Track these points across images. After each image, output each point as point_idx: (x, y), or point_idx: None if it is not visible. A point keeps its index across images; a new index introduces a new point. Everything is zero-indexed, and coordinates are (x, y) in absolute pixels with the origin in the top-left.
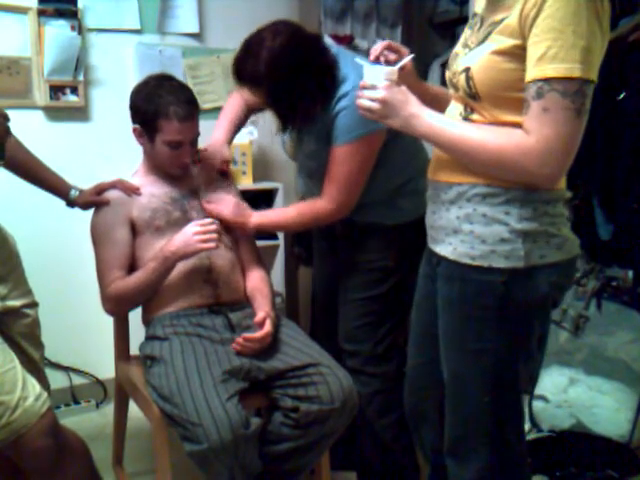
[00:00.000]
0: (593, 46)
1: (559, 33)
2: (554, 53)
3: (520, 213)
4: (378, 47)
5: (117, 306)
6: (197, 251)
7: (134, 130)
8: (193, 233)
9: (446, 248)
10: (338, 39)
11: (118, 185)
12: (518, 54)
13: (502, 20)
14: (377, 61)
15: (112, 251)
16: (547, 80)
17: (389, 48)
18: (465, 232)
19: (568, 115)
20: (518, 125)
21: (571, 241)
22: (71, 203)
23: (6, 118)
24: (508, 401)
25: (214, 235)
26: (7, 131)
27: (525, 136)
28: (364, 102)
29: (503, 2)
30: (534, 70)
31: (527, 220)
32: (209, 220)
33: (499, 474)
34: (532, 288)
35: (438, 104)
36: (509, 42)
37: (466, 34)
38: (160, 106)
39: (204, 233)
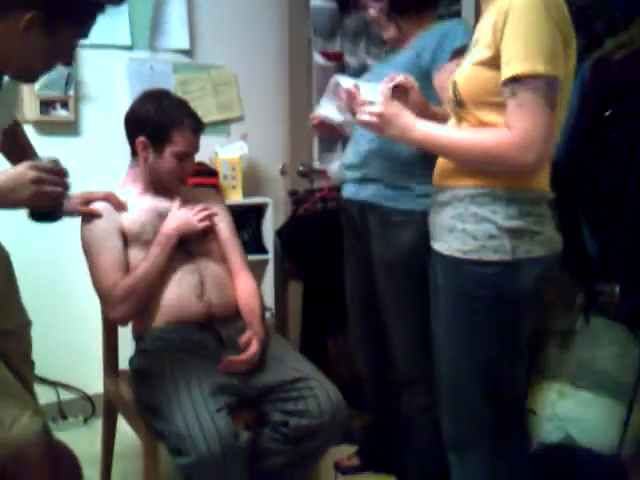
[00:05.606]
0: (555, 48)
1: (523, 38)
2: (521, 55)
3: (506, 212)
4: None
5: (128, 305)
6: (198, 229)
7: (139, 142)
8: (192, 214)
9: (442, 245)
10: (328, 56)
11: (110, 199)
12: (495, 64)
13: (483, 35)
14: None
15: (110, 257)
16: (517, 79)
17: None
18: (458, 230)
19: (541, 108)
20: (501, 125)
21: (553, 238)
22: None
23: (65, 174)
24: (504, 396)
25: (210, 213)
26: (66, 188)
27: (507, 132)
28: (363, 117)
29: (487, 20)
30: (505, 72)
31: (512, 218)
32: (201, 206)
33: (501, 468)
34: (520, 280)
35: (437, 121)
36: (487, 54)
37: (466, 58)
38: (175, 118)
39: (200, 213)
